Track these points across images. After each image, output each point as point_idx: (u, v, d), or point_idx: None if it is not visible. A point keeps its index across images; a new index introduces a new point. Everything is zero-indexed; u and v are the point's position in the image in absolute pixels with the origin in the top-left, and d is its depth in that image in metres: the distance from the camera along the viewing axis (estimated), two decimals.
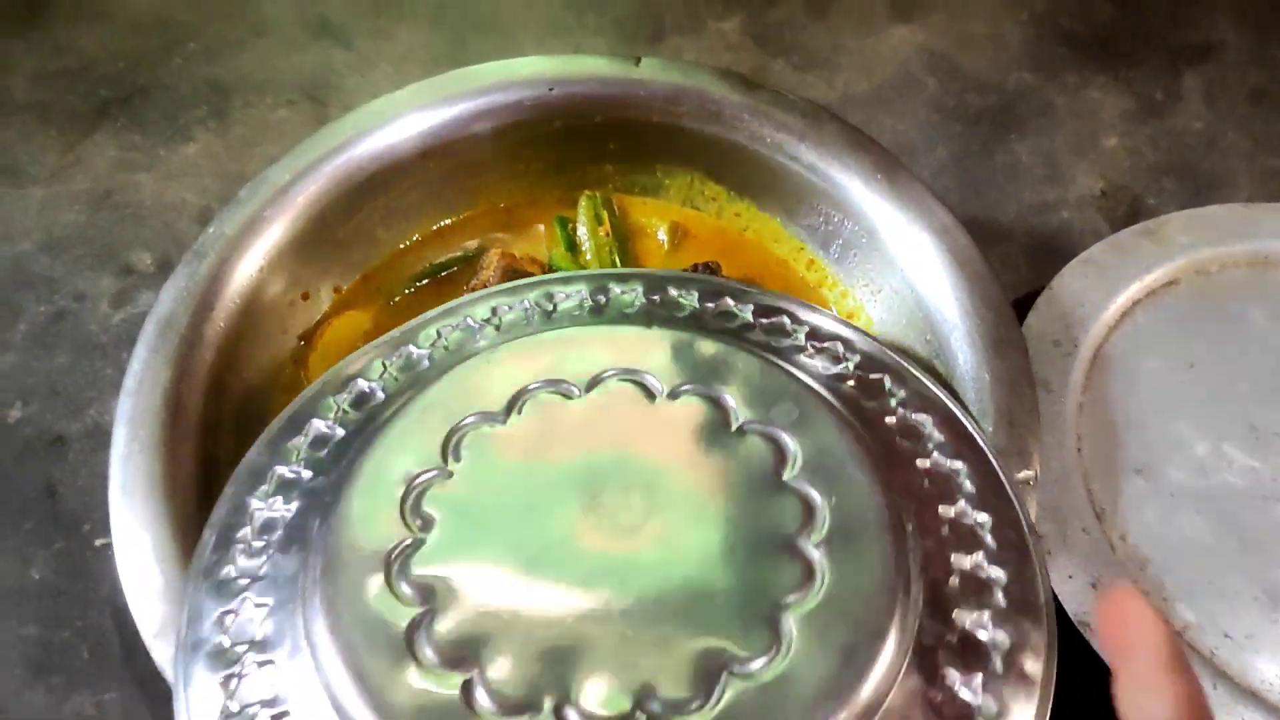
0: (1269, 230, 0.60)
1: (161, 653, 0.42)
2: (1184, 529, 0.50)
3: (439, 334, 0.49)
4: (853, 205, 0.56)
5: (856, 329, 0.49)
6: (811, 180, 0.57)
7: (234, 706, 0.38)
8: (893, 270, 0.55)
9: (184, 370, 0.49)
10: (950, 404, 0.46)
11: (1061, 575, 0.47)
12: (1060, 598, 0.47)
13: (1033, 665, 0.38)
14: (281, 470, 0.45)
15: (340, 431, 0.46)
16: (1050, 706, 0.38)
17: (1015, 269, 0.68)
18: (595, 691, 0.36)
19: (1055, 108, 0.76)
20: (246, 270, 0.52)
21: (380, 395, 0.47)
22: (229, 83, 0.75)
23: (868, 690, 0.35)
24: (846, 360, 0.47)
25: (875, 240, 0.56)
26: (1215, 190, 0.72)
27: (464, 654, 0.37)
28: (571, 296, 0.50)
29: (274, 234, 0.53)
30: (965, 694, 0.37)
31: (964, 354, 0.50)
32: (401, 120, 0.57)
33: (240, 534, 0.43)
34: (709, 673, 0.36)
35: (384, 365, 0.48)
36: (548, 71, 0.59)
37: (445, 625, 0.38)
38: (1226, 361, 0.55)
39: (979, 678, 0.37)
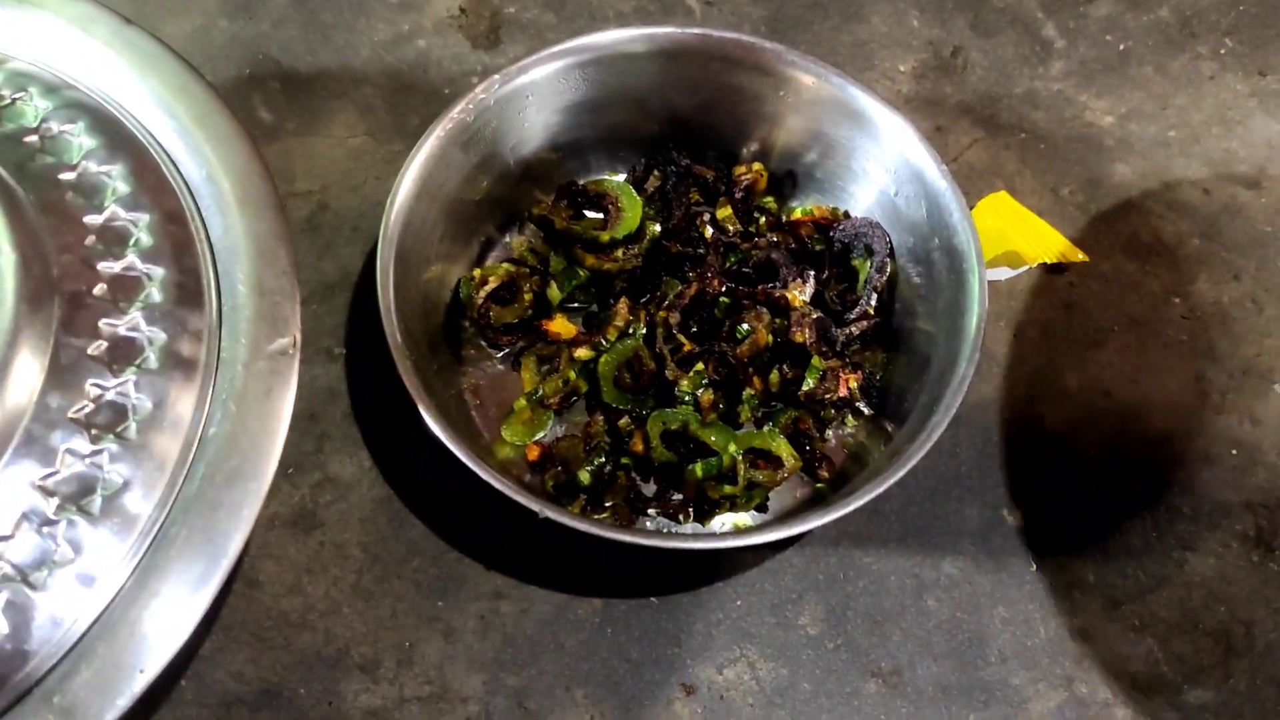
0: None
1: None
2: None
3: None
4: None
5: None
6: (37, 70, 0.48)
7: None
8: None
9: None
10: (109, 106, 0.45)
11: None
12: None
13: (191, 349, 0.41)
14: None
15: None
16: (216, 383, 0.40)
17: (374, 113, 0.62)
18: None
19: None
20: None
21: None
22: None
23: None
24: None
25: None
26: None
27: None
28: None
29: None
30: (114, 396, 0.39)
31: (215, 220, 0.45)
32: None
33: None
34: None
35: None
36: None
37: None
38: None
39: (131, 379, 0.39)
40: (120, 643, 0.36)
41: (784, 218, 0.57)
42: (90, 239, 0.42)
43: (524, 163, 0.55)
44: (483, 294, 0.53)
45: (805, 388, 0.51)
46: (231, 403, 0.40)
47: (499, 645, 0.48)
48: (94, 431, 0.38)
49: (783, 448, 0.50)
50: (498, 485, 0.44)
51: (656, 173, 0.57)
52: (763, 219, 0.56)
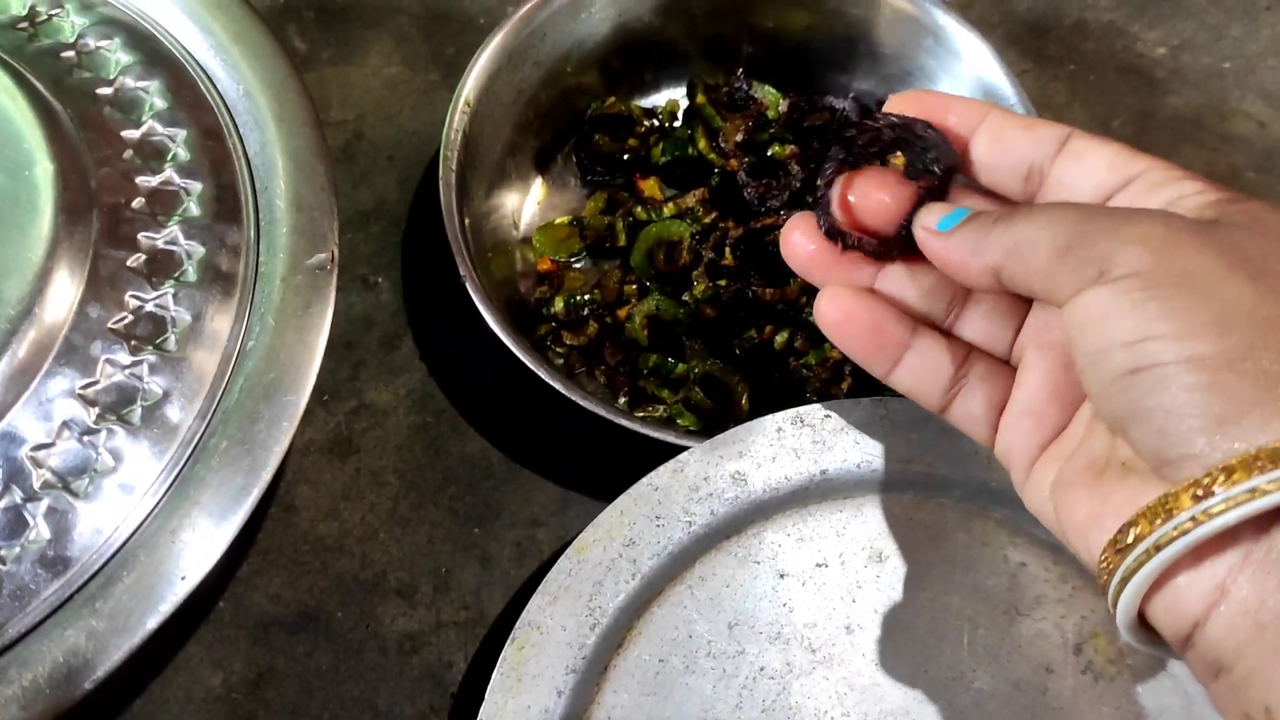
0: None
1: None
2: None
3: None
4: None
5: None
6: None
7: None
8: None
9: None
10: (145, 24, 0.45)
11: None
12: None
13: (229, 263, 0.41)
14: None
15: None
16: (254, 298, 0.40)
17: (410, 43, 0.61)
18: None
19: None
20: None
21: None
22: None
23: (31, 336, 0.36)
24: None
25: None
26: None
27: None
28: None
29: None
30: (153, 309, 0.39)
31: (253, 136, 0.45)
32: None
33: None
34: None
35: None
36: None
37: None
38: None
39: (170, 291, 0.39)
40: (162, 551, 0.36)
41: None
42: (128, 153, 0.42)
43: (587, 72, 0.55)
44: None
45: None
46: (270, 317, 0.40)
47: (536, 572, 0.48)
48: (133, 343, 0.38)
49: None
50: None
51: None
52: None
